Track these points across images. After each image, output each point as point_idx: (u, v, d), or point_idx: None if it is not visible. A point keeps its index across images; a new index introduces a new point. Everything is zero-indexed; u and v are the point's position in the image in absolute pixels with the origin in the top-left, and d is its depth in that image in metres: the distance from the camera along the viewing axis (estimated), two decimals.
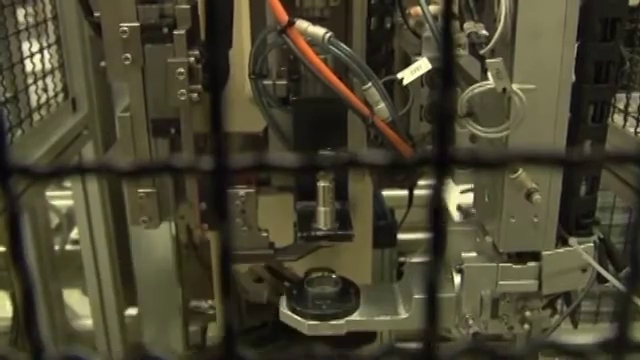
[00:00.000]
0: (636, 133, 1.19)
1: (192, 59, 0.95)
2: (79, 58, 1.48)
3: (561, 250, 0.89)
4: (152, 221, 1.02)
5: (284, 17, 0.88)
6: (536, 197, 0.83)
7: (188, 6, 0.96)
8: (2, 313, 1.83)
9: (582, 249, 0.89)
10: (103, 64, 0.97)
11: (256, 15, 1.01)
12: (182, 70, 0.93)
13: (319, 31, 0.90)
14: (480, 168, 0.27)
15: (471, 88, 0.82)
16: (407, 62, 0.98)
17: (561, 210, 0.87)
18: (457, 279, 0.93)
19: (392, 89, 0.99)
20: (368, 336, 1.22)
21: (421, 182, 1.28)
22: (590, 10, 0.81)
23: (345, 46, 0.91)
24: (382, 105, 0.91)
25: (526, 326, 0.94)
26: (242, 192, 1.01)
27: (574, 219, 0.90)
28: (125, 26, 0.93)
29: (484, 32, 0.82)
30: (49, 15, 1.44)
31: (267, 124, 1.07)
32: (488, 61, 0.80)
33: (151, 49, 0.95)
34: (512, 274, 0.90)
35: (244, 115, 1.05)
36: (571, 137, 0.85)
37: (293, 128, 1.04)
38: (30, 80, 1.37)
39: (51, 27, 1.45)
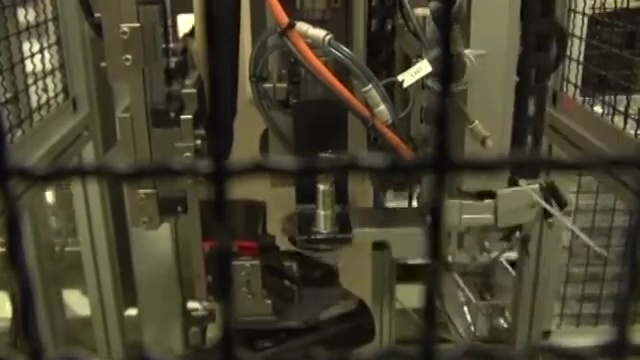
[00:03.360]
0: (636, 135, 1.19)
1: (198, 142, 0.97)
2: (79, 58, 1.48)
3: (512, 190, 1.04)
4: (152, 222, 1.02)
5: (284, 19, 0.88)
6: (489, 143, 0.96)
7: (194, 90, 0.98)
8: (2, 314, 1.83)
9: (530, 189, 1.05)
10: (104, 65, 0.97)
11: (256, 17, 1.01)
12: (189, 154, 0.96)
13: (319, 33, 0.90)
14: (480, 171, 0.27)
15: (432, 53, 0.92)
16: (408, 64, 0.98)
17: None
18: (429, 218, 1.00)
19: (392, 91, 0.99)
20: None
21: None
22: None
23: (345, 48, 0.91)
24: (382, 107, 0.91)
25: (485, 254, 1.10)
26: (248, 264, 1.06)
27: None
28: (125, 27, 0.93)
29: None
30: (49, 15, 1.44)
31: (267, 127, 1.07)
32: None
33: (158, 133, 0.97)
34: (473, 210, 1.04)
35: (244, 117, 1.05)
36: (518, 95, 1.00)
37: (293, 131, 1.04)
38: (30, 80, 1.37)
39: (51, 27, 1.45)
